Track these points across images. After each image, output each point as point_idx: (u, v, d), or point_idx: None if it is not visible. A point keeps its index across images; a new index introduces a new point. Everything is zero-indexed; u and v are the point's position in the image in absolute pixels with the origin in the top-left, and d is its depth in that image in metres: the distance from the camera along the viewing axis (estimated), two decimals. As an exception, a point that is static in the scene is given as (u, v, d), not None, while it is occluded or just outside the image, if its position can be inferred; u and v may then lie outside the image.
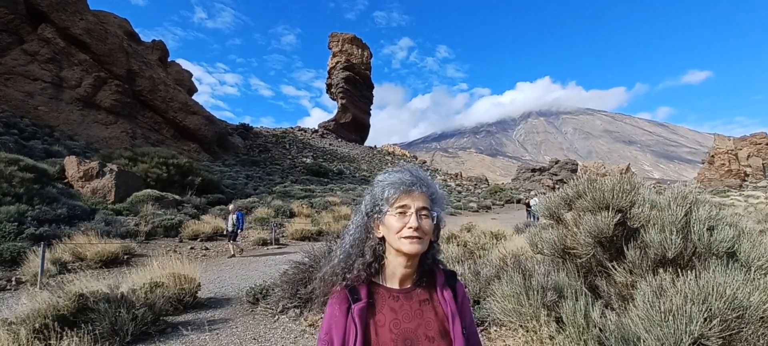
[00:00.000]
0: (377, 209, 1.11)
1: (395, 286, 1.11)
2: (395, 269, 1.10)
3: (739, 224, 3.11)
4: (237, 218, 10.64)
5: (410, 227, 1.03)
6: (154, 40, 46.71)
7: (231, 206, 11.41)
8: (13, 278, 7.34)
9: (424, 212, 1.06)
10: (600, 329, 2.70)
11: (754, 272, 2.70)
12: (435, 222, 1.10)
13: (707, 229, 2.94)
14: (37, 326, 3.79)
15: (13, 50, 27.36)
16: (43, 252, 7.07)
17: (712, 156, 61.22)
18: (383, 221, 1.09)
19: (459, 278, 4.92)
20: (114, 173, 15.01)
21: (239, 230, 10.88)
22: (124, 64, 32.21)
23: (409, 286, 1.12)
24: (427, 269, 1.14)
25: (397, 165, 1.18)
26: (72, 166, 14.94)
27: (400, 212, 1.05)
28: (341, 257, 1.15)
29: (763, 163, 58.95)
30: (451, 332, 1.06)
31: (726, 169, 58.52)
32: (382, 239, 1.11)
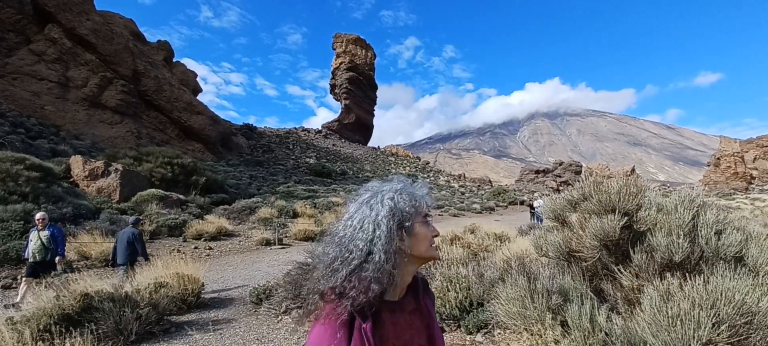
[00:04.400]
0: (407, 217, 1.02)
1: (393, 298, 1.07)
2: (402, 279, 1.05)
3: (746, 228, 3.07)
4: (49, 236, 6.21)
5: (435, 235, 1.07)
6: (159, 41, 47.15)
7: (38, 215, 6.37)
8: (19, 276, 7.40)
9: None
10: (606, 334, 2.67)
11: (762, 276, 2.67)
12: None
13: (715, 233, 2.91)
14: (42, 325, 3.81)
15: (20, 50, 27.64)
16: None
17: (718, 159, 60.65)
18: (413, 231, 1.03)
19: (462, 279, 4.84)
20: (119, 173, 15.11)
21: (59, 257, 6.30)
22: (129, 64, 32.48)
23: (401, 296, 1.09)
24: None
25: (407, 168, 1.14)
26: (77, 165, 15.06)
27: (426, 221, 1.08)
28: (367, 268, 0.97)
29: (769, 166, 58.33)
30: (434, 336, 1.11)
31: (732, 171, 57.93)
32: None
